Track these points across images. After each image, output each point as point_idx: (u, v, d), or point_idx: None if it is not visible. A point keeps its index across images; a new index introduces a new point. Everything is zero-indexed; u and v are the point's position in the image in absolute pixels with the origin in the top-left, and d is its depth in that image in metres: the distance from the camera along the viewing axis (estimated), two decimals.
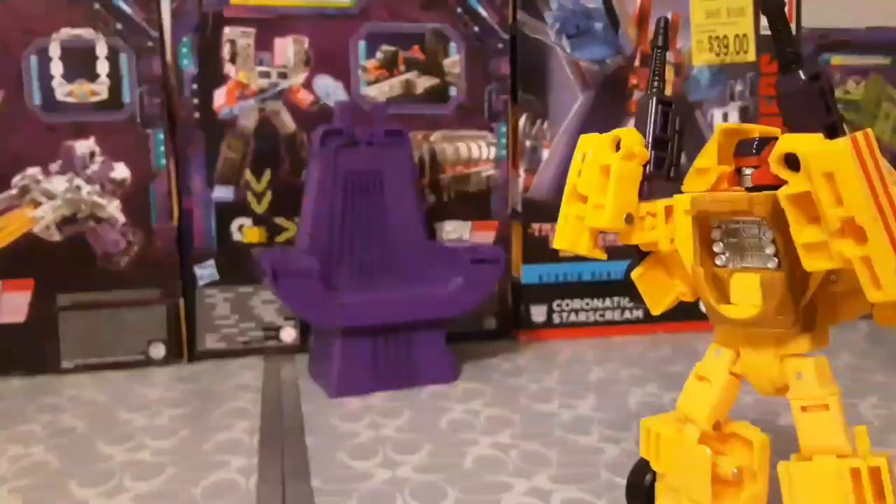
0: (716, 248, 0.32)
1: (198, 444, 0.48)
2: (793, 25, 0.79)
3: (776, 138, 0.30)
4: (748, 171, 0.31)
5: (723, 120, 0.78)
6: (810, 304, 0.30)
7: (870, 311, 0.30)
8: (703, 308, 0.32)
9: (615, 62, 0.76)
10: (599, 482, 0.41)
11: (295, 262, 0.55)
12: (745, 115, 0.78)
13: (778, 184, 0.29)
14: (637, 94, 0.76)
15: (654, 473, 0.34)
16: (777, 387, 0.31)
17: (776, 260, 0.30)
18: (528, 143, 0.75)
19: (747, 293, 0.31)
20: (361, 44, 0.71)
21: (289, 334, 0.71)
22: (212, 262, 0.70)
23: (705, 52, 0.77)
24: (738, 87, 0.78)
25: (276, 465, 0.45)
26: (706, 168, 0.32)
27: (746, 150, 0.31)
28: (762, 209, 0.29)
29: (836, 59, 0.81)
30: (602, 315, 0.77)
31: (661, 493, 0.34)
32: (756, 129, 0.32)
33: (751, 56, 0.78)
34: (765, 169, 0.29)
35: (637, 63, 0.76)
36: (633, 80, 0.76)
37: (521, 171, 0.75)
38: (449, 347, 0.61)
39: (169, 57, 0.69)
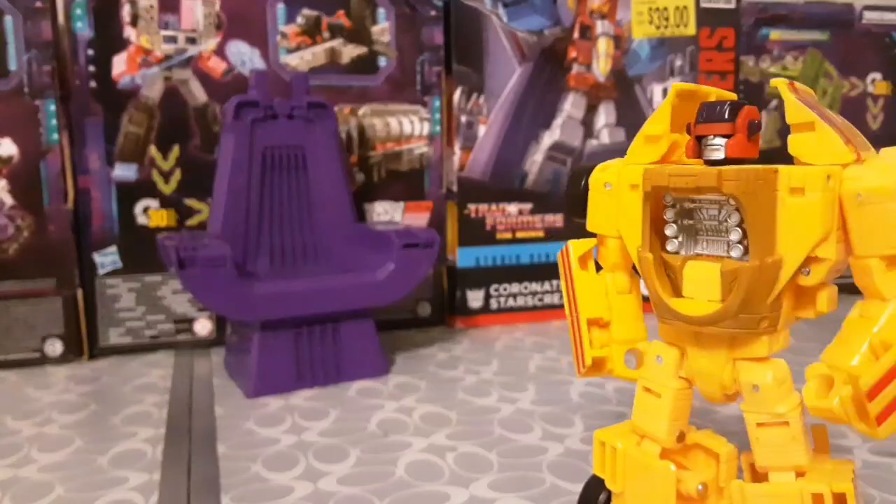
0: (668, 231, 0.27)
1: (92, 457, 0.43)
2: None
3: (745, 102, 0.26)
4: (717, 141, 0.26)
5: (662, 95, 0.76)
6: (776, 301, 0.25)
7: (835, 308, 0.26)
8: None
9: (553, 33, 0.72)
10: (544, 488, 0.38)
11: (204, 249, 0.50)
12: None
13: (750, 157, 0.25)
14: (577, 68, 0.73)
15: (608, 493, 0.30)
16: (727, 394, 0.27)
17: (741, 247, 0.25)
18: (463, 119, 0.70)
19: (704, 285, 0.26)
20: (280, 7, 0.65)
21: (203, 326, 0.65)
22: (114, 248, 0.63)
23: (645, 24, 0.74)
24: (678, 62, 0.76)
25: (182, 481, 0.39)
26: (657, 136, 0.27)
27: (715, 114, 0.26)
28: (734, 187, 0.24)
29: (775, 34, 0.80)
30: (541, 299, 0.74)
31: None
32: (713, 92, 0.28)
33: (690, 29, 0.76)
34: (739, 137, 0.25)
35: (576, 35, 0.72)
36: (573, 53, 0.73)
37: (457, 149, 0.71)
38: (380, 337, 0.57)
39: (61, 19, 0.62)
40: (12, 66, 0.59)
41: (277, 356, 0.53)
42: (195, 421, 0.48)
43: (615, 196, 0.28)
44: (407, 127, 0.70)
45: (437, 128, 0.70)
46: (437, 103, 0.70)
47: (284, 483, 0.39)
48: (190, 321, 0.65)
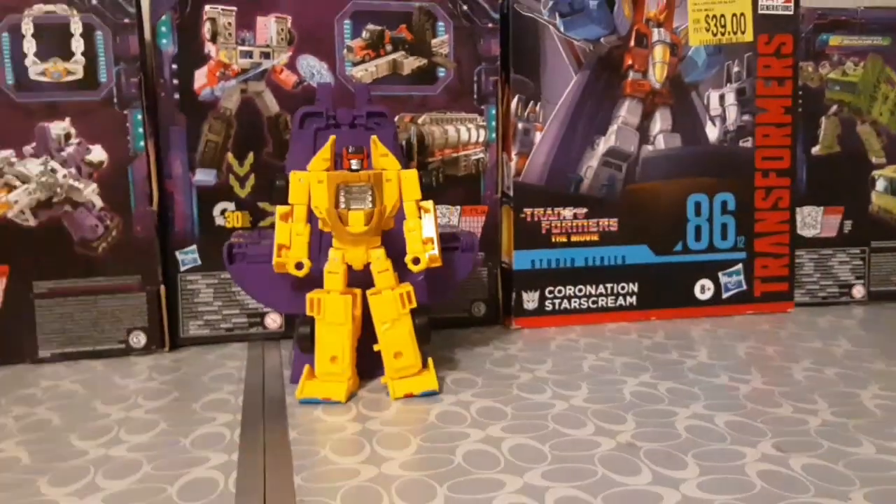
0: (342, 198, 0.53)
1: (176, 439, 0.46)
2: (791, 5, 0.77)
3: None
4: (355, 163, 0.54)
5: (719, 101, 0.76)
6: (384, 224, 0.54)
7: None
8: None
9: (610, 41, 0.74)
10: (595, 479, 0.40)
11: (252, 247, 0.55)
12: (742, 97, 0.77)
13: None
14: (633, 76, 0.74)
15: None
16: (364, 263, 0.54)
17: (370, 203, 0.53)
18: (520, 126, 0.73)
19: (357, 221, 0.52)
20: (347, 23, 0.69)
21: (273, 321, 0.69)
22: (193, 247, 0.67)
23: (702, 31, 0.75)
24: (736, 69, 0.77)
25: (258, 461, 0.43)
26: (326, 158, 0.54)
27: (355, 150, 0.55)
28: (368, 179, 0.53)
29: (835, 40, 0.79)
30: (595, 302, 0.75)
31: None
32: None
33: (748, 36, 0.76)
34: (365, 161, 0.55)
35: (632, 42, 0.74)
36: (629, 60, 0.74)
37: (514, 155, 0.73)
38: (435, 335, 0.60)
39: (148, 35, 0.67)
40: (102, 78, 0.64)
41: None
42: (268, 408, 0.52)
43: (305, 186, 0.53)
44: (464, 134, 0.72)
45: (493, 135, 0.73)
46: (493, 111, 0.73)
47: (351, 466, 0.42)
48: (261, 315, 0.69)
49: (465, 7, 0.71)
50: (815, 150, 0.80)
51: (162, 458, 0.44)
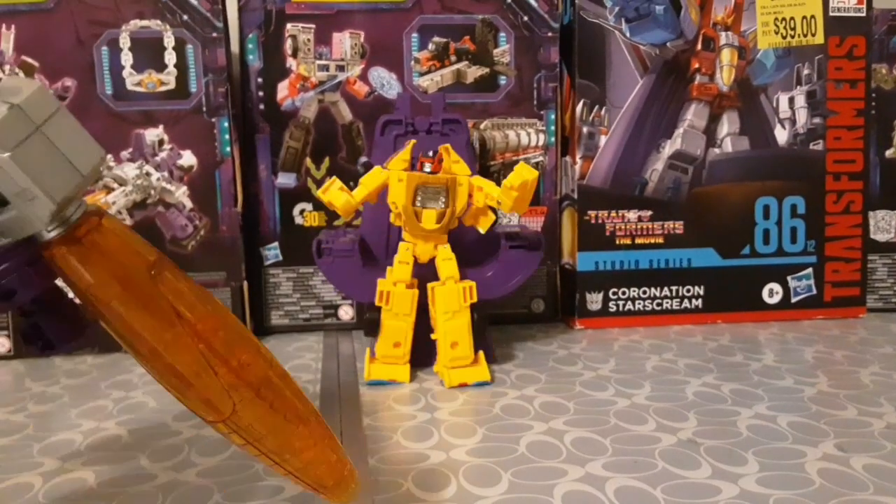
0: (418, 196, 0.56)
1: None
2: (864, 6, 0.75)
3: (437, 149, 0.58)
4: (427, 167, 0.57)
5: (788, 104, 0.76)
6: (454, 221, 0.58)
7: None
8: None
9: (676, 46, 0.74)
10: (655, 472, 0.41)
11: (338, 242, 0.60)
12: (813, 99, 0.76)
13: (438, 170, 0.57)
14: (700, 79, 0.75)
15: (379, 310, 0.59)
16: (430, 256, 0.58)
17: (443, 203, 0.56)
18: (585, 129, 0.74)
19: (431, 217, 0.56)
20: (414, 36, 0.72)
21: (346, 312, 0.73)
22: (276, 244, 0.73)
23: (771, 34, 0.75)
24: (806, 71, 0.76)
25: None
26: (406, 159, 0.57)
27: (428, 155, 0.58)
28: (444, 182, 0.56)
29: None
30: (659, 304, 0.76)
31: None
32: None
33: (819, 38, 0.75)
34: (436, 165, 0.57)
35: (699, 46, 0.74)
36: (695, 64, 0.74)
37: (578, 158, 0.74)
38: (496, 330, 0.62)
39: (235, 49, 0.71)
40: (193, 88, 0.68)
41: None
42: (343, 396, 0.55)
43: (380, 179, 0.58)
44: (524, 138, 0.75)
45: (552, 139, 0.75)
46: (552, 116, 0.75)
47: (421, 451, 0.44)
48: (335, 307, 0.74)
49: (525, 18, 0.73)
50: (889, 153, 0.79)
51: None
